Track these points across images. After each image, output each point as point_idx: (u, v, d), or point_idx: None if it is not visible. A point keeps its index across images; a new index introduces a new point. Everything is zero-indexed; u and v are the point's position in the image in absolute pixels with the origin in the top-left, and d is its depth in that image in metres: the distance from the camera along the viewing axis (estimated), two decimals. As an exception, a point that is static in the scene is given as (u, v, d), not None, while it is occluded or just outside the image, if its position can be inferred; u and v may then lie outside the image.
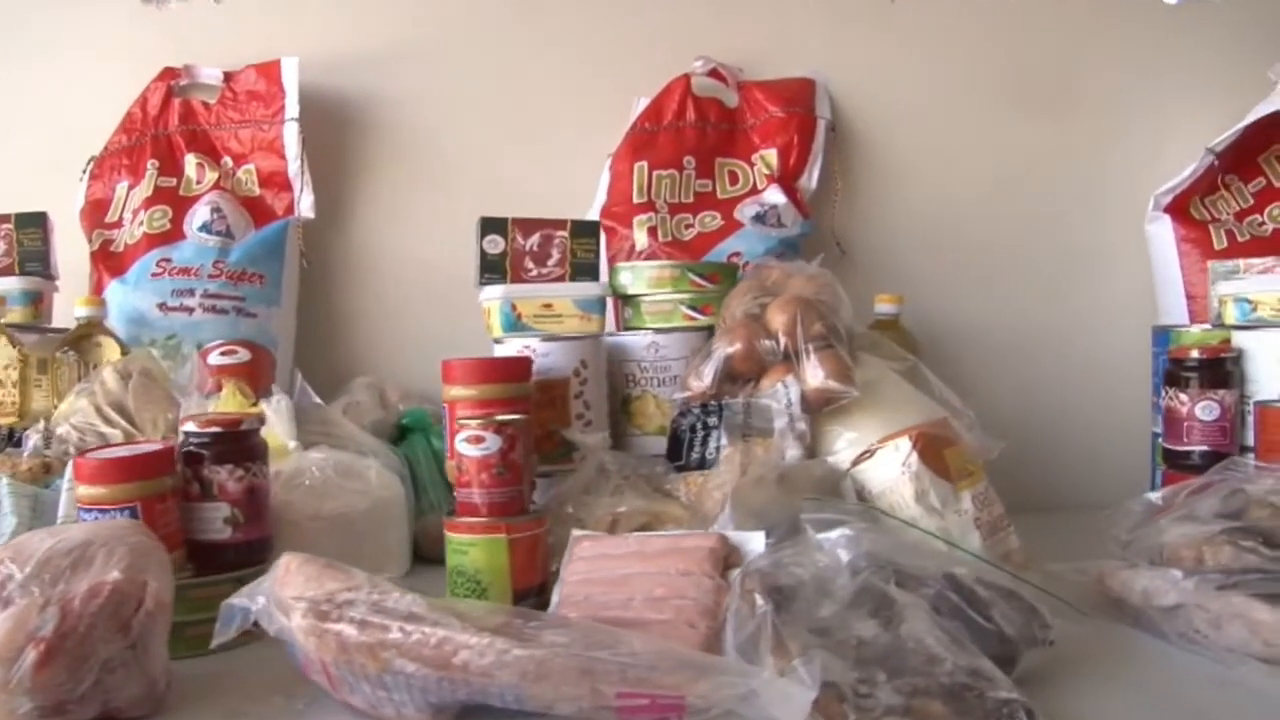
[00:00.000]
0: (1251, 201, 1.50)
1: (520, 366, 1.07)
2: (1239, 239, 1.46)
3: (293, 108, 1.39)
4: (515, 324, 1.22)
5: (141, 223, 1.34)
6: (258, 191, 1.40)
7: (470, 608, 0.81)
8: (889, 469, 1.00)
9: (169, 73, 1.43)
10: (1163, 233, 1.49)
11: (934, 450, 1.01)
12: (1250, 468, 1.10)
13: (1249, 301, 1.24)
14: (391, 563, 1.13)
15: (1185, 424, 1.23)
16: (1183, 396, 1.23)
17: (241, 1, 1.45)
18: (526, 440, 0.97)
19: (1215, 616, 0.93)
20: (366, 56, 1.46)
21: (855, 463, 1.03)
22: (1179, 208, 1.49)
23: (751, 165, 1.46)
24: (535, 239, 1.25)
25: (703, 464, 1.11)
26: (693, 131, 1.45)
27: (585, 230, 1.27)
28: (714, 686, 0.74)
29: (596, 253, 1.28)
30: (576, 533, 0.99)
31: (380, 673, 0.74)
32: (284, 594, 0.79)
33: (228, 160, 1.41)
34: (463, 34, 1.48)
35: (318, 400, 1.22)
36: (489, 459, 0.95)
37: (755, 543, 0.92)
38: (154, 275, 1.31)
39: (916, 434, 1.01)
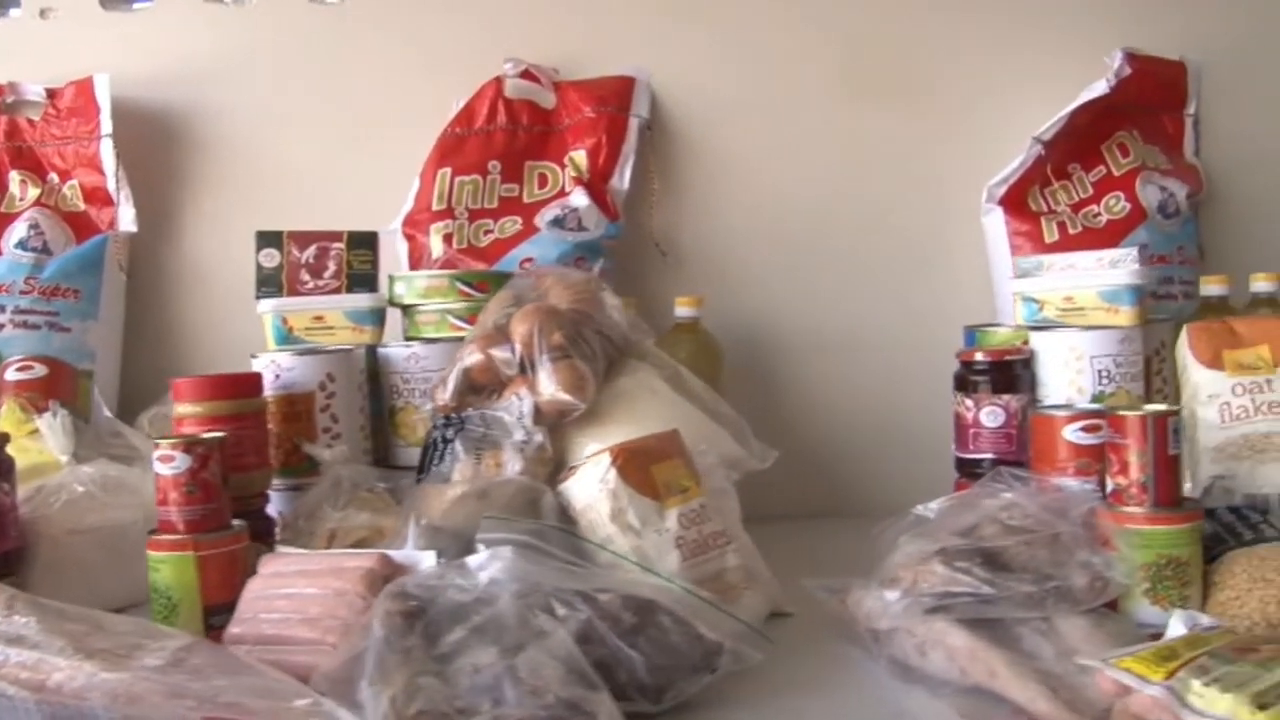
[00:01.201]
0: (1091, 191, 1.45)
1: (241, 383, 1.08)
2: (1070, 231, 1.41)
3: (106, 124, 1.42)
4: (287, 337, 1.24)
5: (-39, 240, 1.39)
6: (82, 207, 1.44)
7: (90, 630, 0.83)
8: (589, 486, 0.99)
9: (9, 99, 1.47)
10: (996, 226, 1.44)
11: (638, 466, 0.99)
12: (1012, 478, 1.08)
13: (1035, 301, 1.20)
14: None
15: (971, 430, 1.19)
16: (968, 402, 1.19)
17: (66, 18, 1.48)
18: (222, 458, 0.99)
19: (920, 642, 0.91)
20: (186, 71, 1.48)
21: (562, 479, 1.03)
22: (1014, 200, 1.44)
23: (563, 167, 1.45)
24: (311, 251, 1.27)
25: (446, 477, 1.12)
26: (502, 135, 1.44)
27: (362, 241, 1.28)
28: (294, 716, 0.76)
29: (374, 264, 1.29)
30: (283, 550, 1.01)
31: (-15, 696, 0.78)
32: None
33: (54, 176, 1.45)
34: (275, 47, 1.49)
35: (108, 413, 1.26)
36: (179, 477, 0.97)
37: (426, 562, 0.93)
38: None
39: (618, 450, 0.99)
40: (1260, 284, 1.37)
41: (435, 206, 1.39)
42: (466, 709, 0.77)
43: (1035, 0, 1.50)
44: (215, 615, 0.95)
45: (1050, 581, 0.92)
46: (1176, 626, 0.89)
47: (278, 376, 1.13)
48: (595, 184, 1.42)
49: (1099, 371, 1.14)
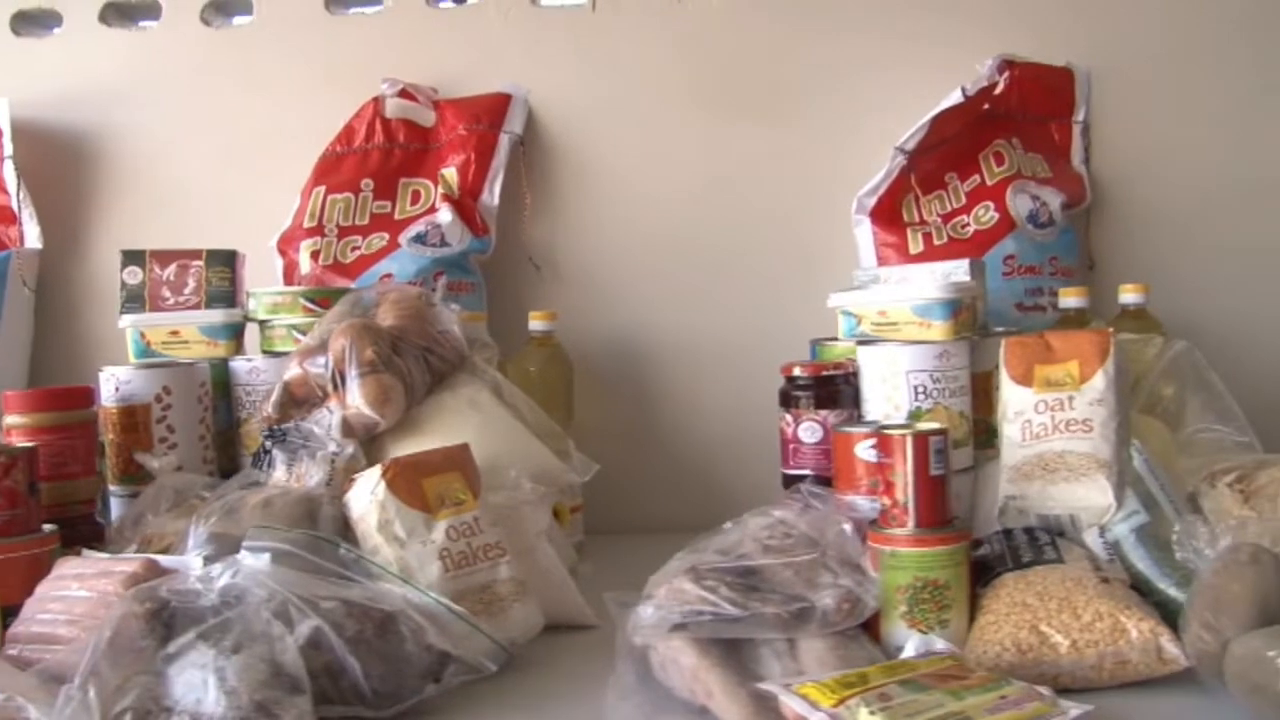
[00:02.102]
0: (964, 201, 1.42)
1: (66, 396, 1.13)
2: (936, 242, 1.39)
3: (7, 146, 1.49)
4: (145, 351, 1.29)
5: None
6: (-5, 224, 1.52)
7: None
8: (362, 497, 1.01)
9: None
10: (865, 237, 1.42)
11: (409, 479, 1.01)
12: (810, 495, 1.07)
13: (853, 315, 1.18)
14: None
15: (791, 446, 1.18)
16: (788, 417, 1.18)
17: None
18: (30, 467, 1.04)
19: (662, 659, 0.92)
20: (91, 94, 1.55)
21: (345, 490, 1.05)
22: (884, 210, 1.42)
23: (436, 184, 1.47)
24: (172, 269, 1.32)
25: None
26: (378, 153, 1.47)
27: (220, 260, 1.33)
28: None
29: (232, 280, 1.33)
30: (88, 554, 1.05)
31: None
32: None
33: (-34, 197, 1.54)
34: (173, 70, 1.56)
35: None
36: (-18, 486, 1.03)
37: (192, 567, 0.96)
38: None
39: (390, 463, 1.02)
40: (1128, 295, 1.33)
41: (307, 224, 1.43)
42: (170, 708, 0.80)
43: (905, 13, 1.47)
44: (12, 616, 1.00)
45: (797, 603, 0.91)
46: (909, 650, 0.89)
47: (117, 389, 1.18)
48: (465, 200, 1.44)
49: (915, 387, 1.12)
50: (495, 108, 1.48)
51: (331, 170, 1.47)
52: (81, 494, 1.13)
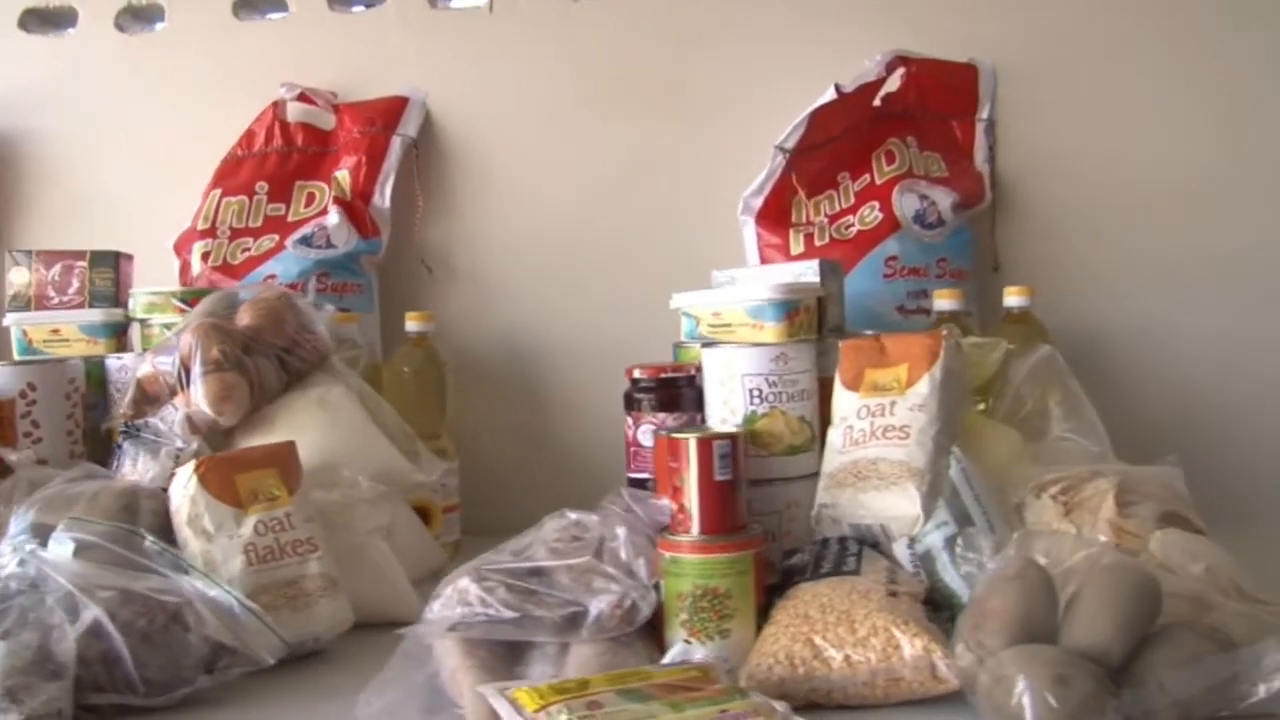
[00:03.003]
0: (853, 201, 1.38)
1: None
2: (817, 243, 1.35)
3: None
4: (27, 349, 1.33)
5: None
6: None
7: None
8: (177, 491, 1.02)
9: None
10: (750, 238, 1.39)
11: (222, 475, 1.02)
12: (631, 499, 1.05)
13: (692, 317, 1.16)
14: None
15: (632, 449, 1.16)
16: (629, 420, 1.17)
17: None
18: None
19: (439, 657, 0.91)
20: (11, 99, 1.59)
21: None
22: (771, 211, 1.39)
23: (331, 187, 1.48)
24: (57, 269, 1.35)
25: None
26: (276, 157, 1.49)
27: (103, 260, 1.36)
28: None
29: (115, 281, 1.36)
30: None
31: None
32: None
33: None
34: (88, 75, 1.59)
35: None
36: None
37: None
38: None
39: (203, 459, 1.03)
40: (1011, 299, 1.28)
41: (200, 226, 1.45)
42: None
43: (809, 14, 1.44)
44: None
45: (571, 606, 0.90)
46: (668, 658, 0.86)
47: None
48: (356, 203, 1.45)
49: (750, 391, 1.09)
50: (390, 110, 1.49)
51: (230, 174, 1.49)
52: (-57, 486, 1.16)
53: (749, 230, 1.38)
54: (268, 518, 1.02)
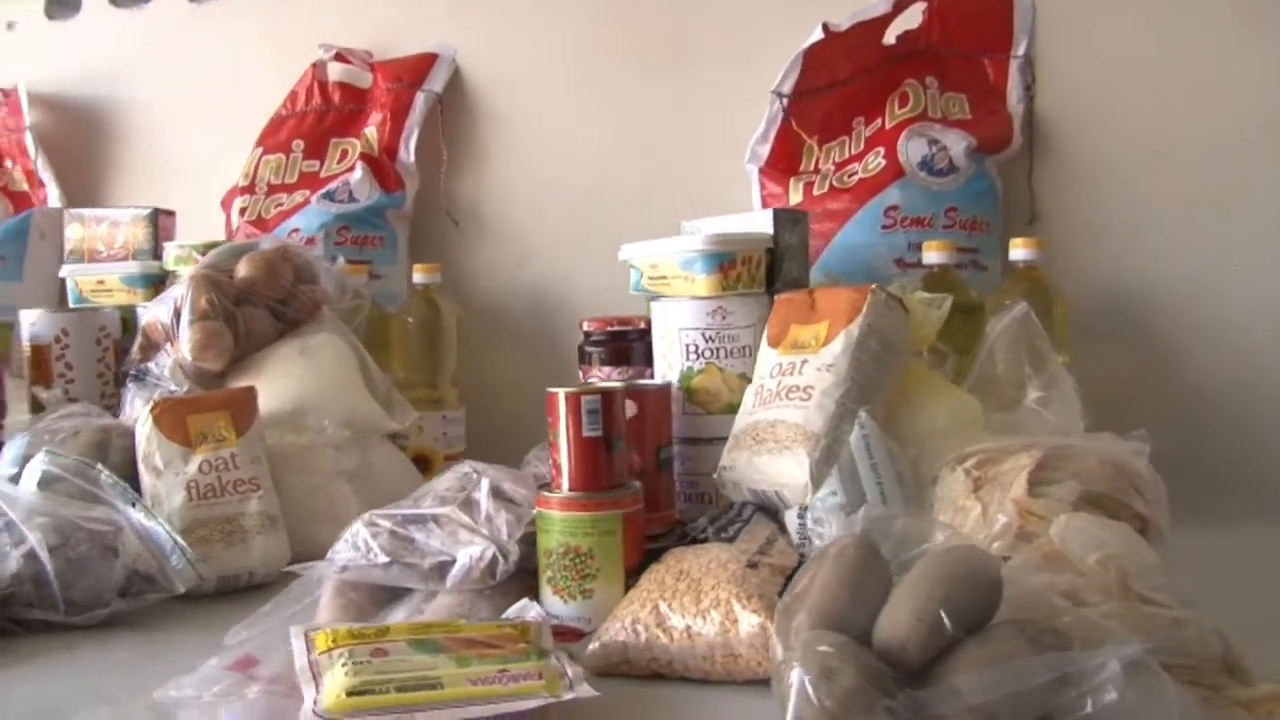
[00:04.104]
0: (863, 147, 1.29)
1: None
2: (816, 192, 1.27)
3: (27, 118, 1.71)
4: (80, 299, 1.45)
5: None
6: (25, 187, 1.74)
7: None
8: (139, 431, 1.10)
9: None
10: (755, 187, 1.32)
11: (175, 416, 1.09)
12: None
13: (636, 268, 1.11)
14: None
15: (583, 403, 1.14)
16: (580, 373, 1.15)
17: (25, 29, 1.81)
18: None
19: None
20: (101, 71, 1.74)
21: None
22: (778, 158, 1.31)
23: (361, 143, 1.52)
24: (104, 226, 1.48)
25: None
26: (314, 115, 1.54)
27: (145, 218, 1.47)
28: None
29: (155, 236, 1.46)
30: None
31: None
32: None
33: (9, 162, 1.76)
34: (166, 46, 1.70)
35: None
36: None
37: (-17, 487, 1.09)
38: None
39: (159, 401, 1.10)
40: (1018, 251, 1.16)
41: (242, 183, 1.53)
42: None
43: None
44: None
45: (440, 556, 0.89)
46: (508, 614, 0.84)
47: (28, 330, 1.34)
48: (382, 158, 1.49)
49: (686, 346, 1.05)
50: (419, 67, 1.52)
51: (273, 132, 1.56)
52: (-29, 420, 1.29)
53: (754, 179, 1.32)
54: (213, 457, 1.08)
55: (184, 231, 1.54)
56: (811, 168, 1.30)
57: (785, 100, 1.27)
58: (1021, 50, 1.28)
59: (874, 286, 0.94)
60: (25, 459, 1.11)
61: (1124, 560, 0.75)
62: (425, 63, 1.52)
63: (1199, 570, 0.80)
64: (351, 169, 1.50)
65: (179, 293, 1.23)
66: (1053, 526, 0.78)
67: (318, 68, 1.56)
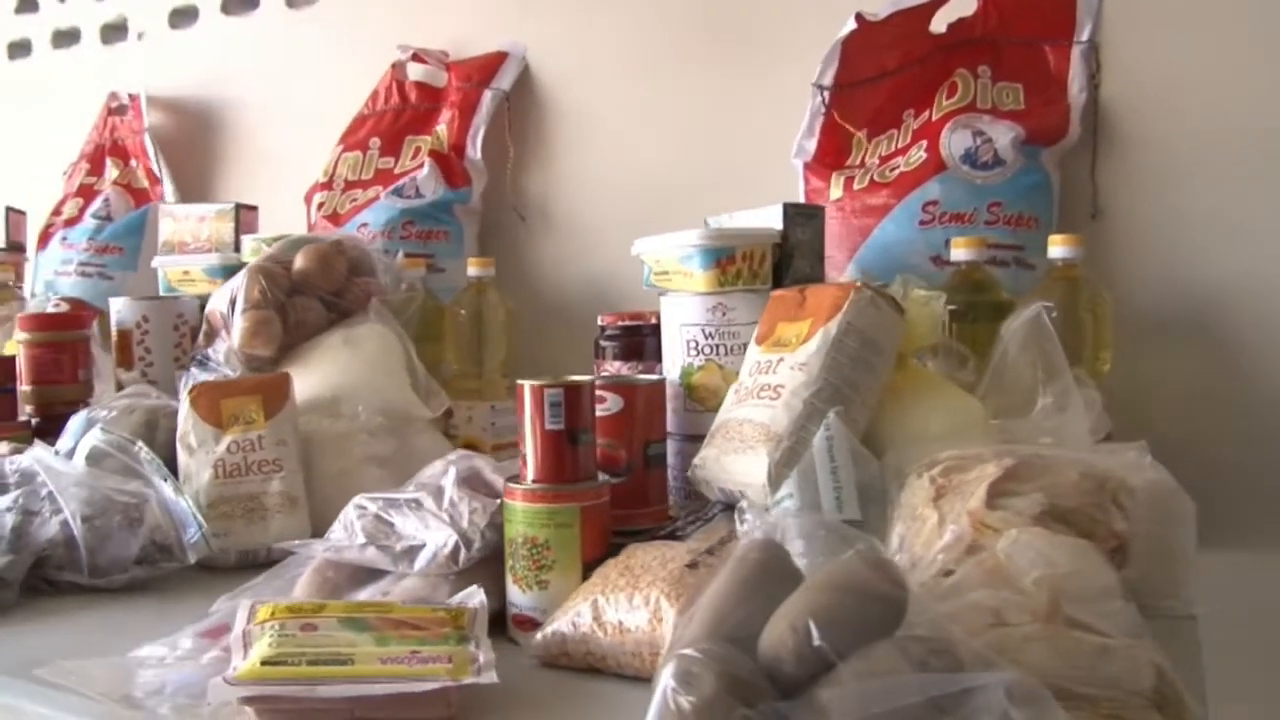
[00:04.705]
0: (909, 140, 1.23)
1: (55, 320, 1.42)
2: (856, 187, 1.22)
3: (145, 119, 1.85)
4: (169, 288, 1.55)
5: (63, 211, 1.89)
6: (145, 184, 1.88)
7: None
8: (180, 412, 1.17)
9: (113, 97, 1.97)
10: (800, 184, 1.29)
11: (210, 399, 1.15)
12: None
13: (645, 263, 1.10)
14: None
15: (597, 397, 1.14)
16: (595, 366, 1.14)
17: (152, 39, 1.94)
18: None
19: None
20: (214, 75, 1.86)
21: (184, 406, 1.21)
22: (826, 152, 1.27)
23: (433, 140, 1.57)
24: (192, 220, 1.58)
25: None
26: (391, 114, 1.60)
27: (228, 213, 1.55)
28: None
29: (235, 229, 1.54)
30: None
31: None
32: None
33: (134, 161, 1.91)
34: (269, 50, 1.80)
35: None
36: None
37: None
38: (64, 246, 1.85)
39: (198, 385, 1.16)
40: (1056, 248, 1.08)
41: (322, 180, 1.60)
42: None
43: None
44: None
45: (411, 540, 0.91)
46: (455, 599, 0.85)
47: (114, 316, 1.45)
48: (450, 154, 1.53)
49: (687, 342, 1.03)
50: (489, 66, 1.55)
51: (353, 131, 1.63)
52: (64, 397, 1.40)
53: (799, 173, 1.28)
54: (241, 438, 1.13)
55: (275, 225, 1.63)
56: (858, 162, 1.25)
57: (826, 93, 1.23)
58: (1085, 35, 1.19)
59: (858, 283, 0.90)
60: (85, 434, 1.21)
61: (1064, 581, 0.69)
62: (495, 61, 1.56)
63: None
64: (421, 166, 1.55)
65: (237, 282, 1.31)
66: (1000, 541, 0.73)
67: (397, 68, 1.62)
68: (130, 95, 1.92)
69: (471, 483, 0.96)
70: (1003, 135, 1.16)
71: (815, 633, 0.60)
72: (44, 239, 1.88)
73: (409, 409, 1.26)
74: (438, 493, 0.93)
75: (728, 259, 1.01)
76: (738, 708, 0.59)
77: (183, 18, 1.92)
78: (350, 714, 0.71)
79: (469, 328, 1.42)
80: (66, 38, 2.08)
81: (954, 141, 1.17)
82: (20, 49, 2.15)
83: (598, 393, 0.97)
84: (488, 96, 1.53)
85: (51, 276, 1.85)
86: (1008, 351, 0.97)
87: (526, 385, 0.89)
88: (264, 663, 0.71)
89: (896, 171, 1.20)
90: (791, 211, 1.05)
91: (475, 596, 0.84)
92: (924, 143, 1.20)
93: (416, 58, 1.61)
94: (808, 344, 0.89)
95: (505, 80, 1.54)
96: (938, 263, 1.15)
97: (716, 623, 0.65)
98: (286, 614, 0.77)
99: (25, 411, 1.39)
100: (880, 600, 0.62)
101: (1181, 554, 0.90)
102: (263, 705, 0.70)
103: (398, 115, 1.61)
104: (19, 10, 2.12)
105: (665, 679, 0.61)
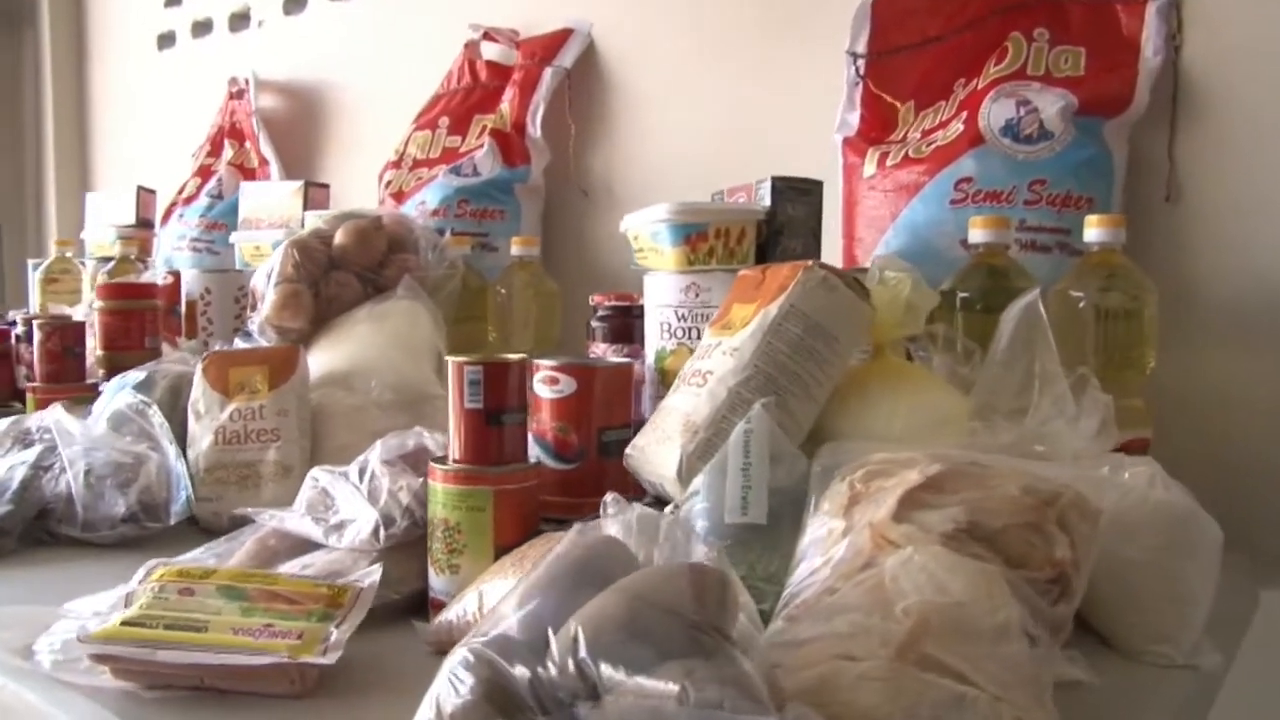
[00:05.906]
0: (954, 111, 1.10)
1: (126, 290, 1.47)
2: (889, 163, 1.10)
3: (253, 103, 1.93)
4: (245, 262, 1.60)
5: (184, 190, 1.99)
6: (256, 164, 1.95)
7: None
8: (194, 378, 1.19)
9: (233, 82, 2.05)
10: (839, 159, 1.18)
11: (219, 367, 1.17)
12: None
13: (629, 239, 1.03)
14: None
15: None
16: (586, 347, 1.09)
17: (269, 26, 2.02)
18: (68, 338, 1.40)
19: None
20: (314, 61, 1.91)
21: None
22: (868, 126, 1.16)
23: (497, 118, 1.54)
24: (265, 199, 1.61)
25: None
26: (462, 93, 1.59)
27: (297, 193, 1.59)
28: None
29: (303, 206, 1.58)
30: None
31: None
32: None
33: (248, 144, 1.99)
34: (368, 37, 1.82)
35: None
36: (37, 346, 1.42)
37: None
38: (180, 222, 1.95)
39: (210, 354, 1.19)
40: (1092, 231, 0.94)
41: (393, 158, 1.61)
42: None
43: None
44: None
45: (342, 516, 0.89)
46: (364, 580, 0.82)
47: (184, 287, 1.51)
48: (512, 132, 1.50)
49: (661, 323, 0.96)
50: (552, 44, 1.52)
51: (427, 110, 1.63)
52: (131, 362, 1.46)
53: (838, 149, 1.18)
54: (244, 407, 1.15)
55: (353, 203, 1.66)
56: (900, 137, 1.14)
57: (860, 61, 1.13)
58: (1165, -10, 1.03)
59: (809, 263, 0.81)
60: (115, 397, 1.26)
61: (944, 612, 0.59)
62: (560, 39, 1.52)
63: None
64: (483, 145, 1.53)
65: (275, 256, 1.33)
66: (890, 559, 0.63)
67: (470, 47, 1.61)
68: (245, 80, 2.01)
69: (416, 459, 0.93)
70: (1050, 105, 1.02)
71: (583, 643, 0.53)
72: (166, 216, 2.00)
73: (423, 386, 1.24)
74: (364, 469, 0.90)
75: (698, 235, 0.93)
76: (494, 715, 0.53)
77: (295, 4, 1.99)
78: (200, 681, 0.70)
79: (507, 306, 1.39)
80: (203, 28, 2.20)
81: (994, 112, 1.04)
82: (167, 40, 2.30)
83: (550, 374, 0.92)
84: (548, 74, 1.50)
85: (170, 252, 1.96)
86: (999, 346, 0.85)
87: (450, 362, 0.85)
88: (123, 623, 0.71)
89: (933, 146, 1.08)
90: (781, 186, 0.96)
91: (370, 576, 0.81)
92: (965, 114, 1.07)
93: (488, 36, 1.60)
94: (746, 328, 0.81)
95: (568, 58, 1.51)
96: (966, 246, 1.03)
97: (524, 621, 0.59)
98: (175, 577, 0.77)
99: (98, 375, 1.47)
100: (675, 616, 0.54)
101: (1188, 592, 0.76)
102: (114, 665, 0.70)
103: (468, 94, 1.60)
104: (167, 4, 2.27)
105: (441, 673, 0.56)
